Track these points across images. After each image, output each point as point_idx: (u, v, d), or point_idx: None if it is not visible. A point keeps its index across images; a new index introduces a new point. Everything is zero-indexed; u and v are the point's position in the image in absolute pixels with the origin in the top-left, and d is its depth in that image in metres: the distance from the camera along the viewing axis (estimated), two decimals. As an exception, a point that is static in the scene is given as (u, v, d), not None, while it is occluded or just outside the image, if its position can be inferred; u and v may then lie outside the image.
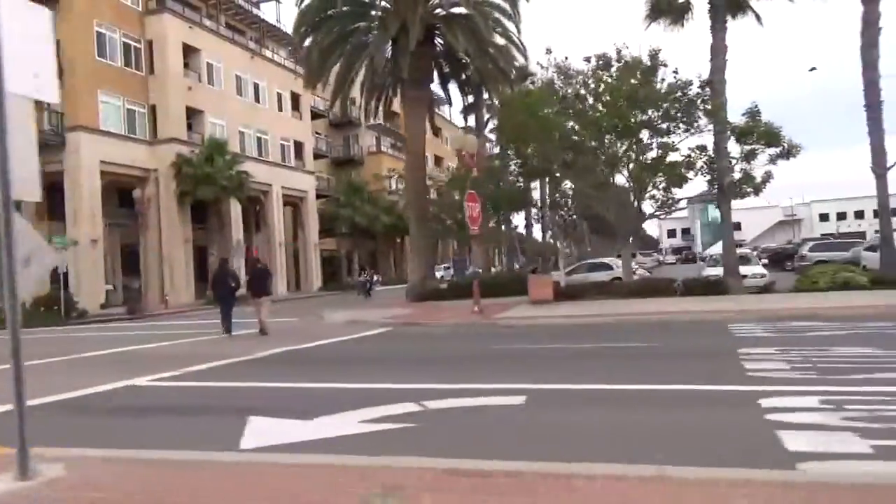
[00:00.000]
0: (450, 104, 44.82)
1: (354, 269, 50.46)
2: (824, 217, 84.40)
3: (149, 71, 34.70)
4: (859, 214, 76.40)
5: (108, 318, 26.42)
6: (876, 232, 23.47)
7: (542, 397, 6.53)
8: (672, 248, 78.58)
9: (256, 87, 41.93)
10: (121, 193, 33.62)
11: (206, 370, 9.99)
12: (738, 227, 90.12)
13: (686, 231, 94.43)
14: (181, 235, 34.46)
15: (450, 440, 5.12)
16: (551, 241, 38.58)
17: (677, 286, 20.04)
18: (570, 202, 27.12)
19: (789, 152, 19.76)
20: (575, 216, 34.19)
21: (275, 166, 42.60)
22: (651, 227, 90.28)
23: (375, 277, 41.96)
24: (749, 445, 4.52)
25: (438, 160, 63.70)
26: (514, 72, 28.61)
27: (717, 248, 50.94)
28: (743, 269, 20.88)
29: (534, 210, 37.10)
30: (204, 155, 34.22)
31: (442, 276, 37.23)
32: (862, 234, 51.67)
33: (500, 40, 25.92)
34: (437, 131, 67.78)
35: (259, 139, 42.03)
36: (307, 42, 26.25)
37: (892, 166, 18.64)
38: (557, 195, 26.54)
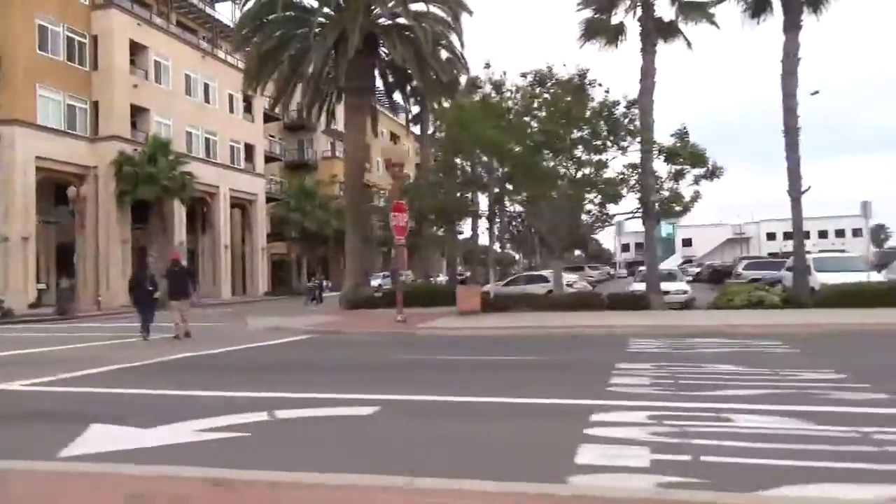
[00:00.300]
0: (396, 112, 44.72)
1: (305, 273, 50.05)
2: (771, 236, 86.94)
3: (93, 66, 34.06)
4: (805, 234, 78.84)
5: (35, 319, 25.70)
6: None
7: (394, 409, 6.66)
8: (626, 262, 79.99)
9: (207, 87, 41.44)
10: (58, 190, 32.83)
11: (95, 374, 9.89)
12: (689, 243, 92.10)
13: (640, 245, 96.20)
14: (119, 235, 33.80)
15: (272, 450, 5.19)
16: (498, 249, 38.92)
17: (603, 300, 20.52)
18: (521, 214, 27.46)
19: (713, 173, 20.47)
20: (523, 228, 34.61)
21: (223, 168, 42.12)
22: (607, 241, 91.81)
23: (325, 283, 41.62)
24: (543, 458, 4.70)
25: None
26: (461, 84, 28.93)
27: (667, 263, 52.04)
28: (666, 286, 21.50)
29: (484, 220, 37.43)
30: (147, 154, 33.64)
31: (380, 285, 37.02)
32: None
33: (443, 53, 26.19)
34: (395, 139, 67.89)
35: (208, 140, 41.50)
36: (250, 45, 26.15)
37: (807, 190, 19.41)
38: (497, 207, 26.85)
